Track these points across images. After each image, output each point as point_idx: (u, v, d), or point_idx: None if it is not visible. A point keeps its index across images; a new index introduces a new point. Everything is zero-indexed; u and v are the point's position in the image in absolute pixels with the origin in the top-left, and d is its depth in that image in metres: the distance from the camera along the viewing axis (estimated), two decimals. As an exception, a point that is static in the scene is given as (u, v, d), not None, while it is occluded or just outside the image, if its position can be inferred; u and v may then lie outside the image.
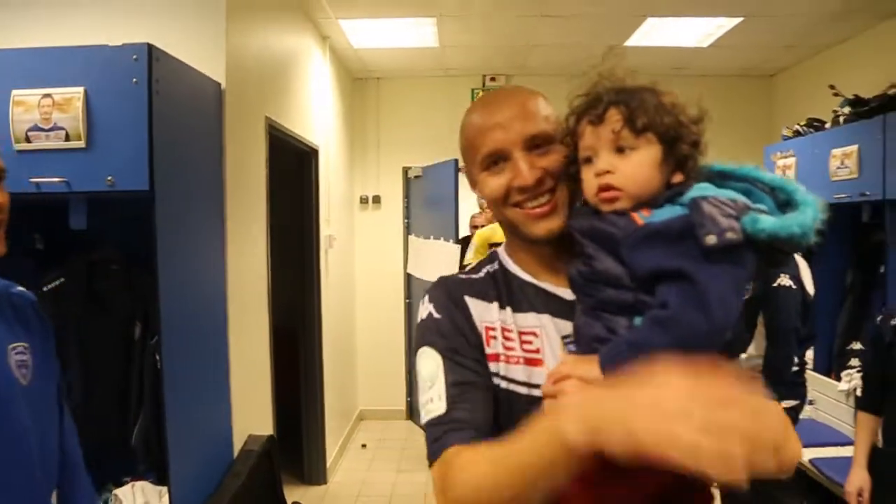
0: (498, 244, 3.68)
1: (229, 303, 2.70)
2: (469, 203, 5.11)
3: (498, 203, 1.03)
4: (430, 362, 0.97)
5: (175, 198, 2.21)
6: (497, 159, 1.01)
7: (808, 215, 0.82)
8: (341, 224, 5.15)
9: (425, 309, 1.04)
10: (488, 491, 0.80)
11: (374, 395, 5.85)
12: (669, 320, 0.80)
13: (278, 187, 3.42)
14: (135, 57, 2.05)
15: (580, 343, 0.94)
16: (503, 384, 0.98)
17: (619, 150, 0.91)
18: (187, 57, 2.36)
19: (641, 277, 0.85)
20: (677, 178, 0.92)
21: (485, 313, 1.02)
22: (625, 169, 0.90)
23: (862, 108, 3.69)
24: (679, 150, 0.91)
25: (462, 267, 4.19)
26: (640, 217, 0.88)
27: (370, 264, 5.80)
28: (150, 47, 2.06)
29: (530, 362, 0.99)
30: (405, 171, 5.78)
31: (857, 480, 2.43)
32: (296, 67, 3.92)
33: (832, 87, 4.04)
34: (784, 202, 0.87)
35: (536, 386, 0.96)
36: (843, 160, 3.70)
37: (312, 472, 4.35)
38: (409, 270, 5.69)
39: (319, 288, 4.32)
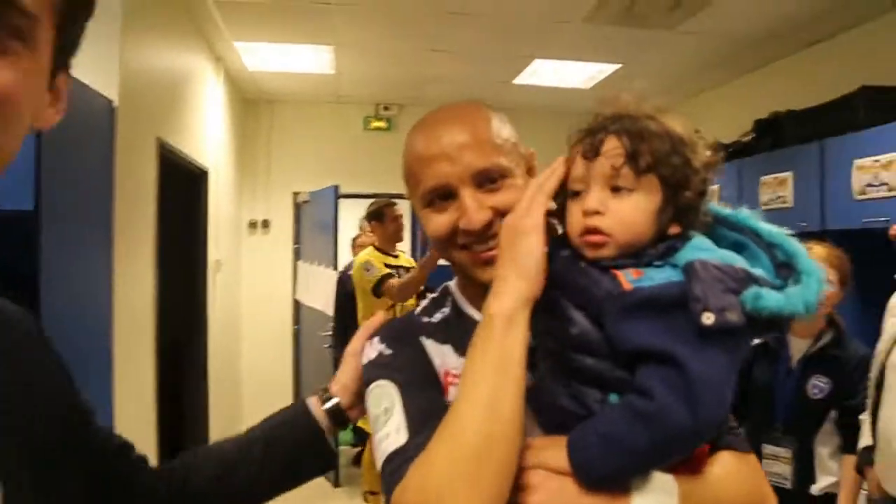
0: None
1: (115, 330, 2.57)
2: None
3: (442, 244, 0.90)
4: (384, 396, 0.84)
5: (61, 218, 2.11)
6: (442, 195, 0.87)
7: (813, 290, 0.71)
8: (229, 248, 5.02)
9: (373, 349, 0.92)
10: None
11: (261, 419, 5.68)
12: (653, 415, 0.69)
13: (167, 208, 3.31)
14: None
15: (540, 409, 0.81)
16: None
17: (615, 190, 0.78)
18: (80, 72, 2.27)
19: (624, 352, 0.73)
20: (674, 229, 0.79)
21: (444, 357, 0.90)
22: (618, 212, 0.77)
23: (724, 153, 4.10)
24: (683, 198, 0.77)
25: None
26: (628, 279, 0.74)
27: (258, 289, 5.67)
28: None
29: None
30: (295, 195, 5.73)
31: None
32: (188, 87, 3.83)
33: (697, 131, 4.44)
34: (782, 263, 0.75)
35: None
36: (710, 197, 4.08)
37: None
38: (297, 296, 5.62)
39: (206, 315, 4.19)
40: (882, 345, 1.96)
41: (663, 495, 0.73)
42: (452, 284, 0.99)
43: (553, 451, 0.74)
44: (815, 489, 2.18)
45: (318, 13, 3.66)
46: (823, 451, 2.20)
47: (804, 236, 1.86)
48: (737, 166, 3.86)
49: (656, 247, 0.77)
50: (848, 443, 2.13)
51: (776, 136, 3.69)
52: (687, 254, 0.74)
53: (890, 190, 2.82)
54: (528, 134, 3.99)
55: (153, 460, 0.93)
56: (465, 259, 0.88)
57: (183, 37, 3.76)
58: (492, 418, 0.71)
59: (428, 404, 0.82)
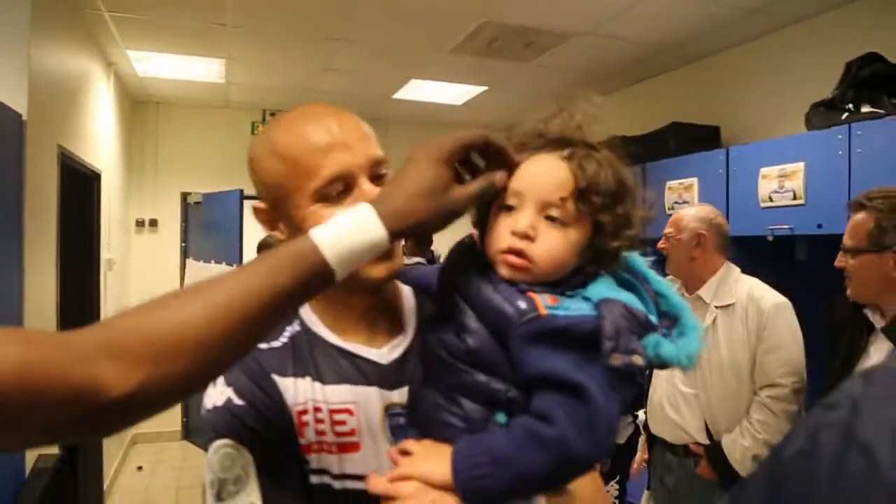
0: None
1: (25, 325, 2.81)
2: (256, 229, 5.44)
3: None
4: (233, 460, 0.77)
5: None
6: (340, 187, 0.82)
7: (695, 344, 0.76)
8: (118, 247, 5.16)
9: (220, 393, 0.81)
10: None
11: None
12: (552, 440, 0.68)
13: (63, 211, 3.52)
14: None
15: (420, 423, 0.80)
16: (315, 479, 0.81)
17: (550, 218, 0.77)
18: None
19: (527, 375, 0.72)
20: (591, 267, 0.79)
21: (293, 392, 0.83)
22: (547, 241, 0.76)
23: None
24: (610, 245, 0.78)
25: None
26: (544, 304, 0.73)
27: (146, 286, 5.80)
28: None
29: (343, 448, 0.82)
30: (184, 196, 5.92)
31: None
32: (83, 93, 4.02)
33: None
34: (664, 312, 0.78)
35: (350, 476, 0.81)
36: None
37: (89, 497, 4.34)
38: (186, 293, 5.82)
39: (99, 311, 4.37)
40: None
41: None
42: (305, 311, 0.91)
43: (434, 463, 0.72)
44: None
45: (213, 31, 3.97)
46: None
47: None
48: (582, 181, 4.55)
49: (570, 280, 0.77)
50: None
51: (612, 156, 4.40)
52: (598, 290, 0.75)
53: (691, 207, 3.55)
54: (406, 141, 4.72)
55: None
56: (365, 268, 0.80)
57: (80, 46, 3.94)
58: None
59: (287, 487, 0.78)
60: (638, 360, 0.70)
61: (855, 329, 1.91)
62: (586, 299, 0.74)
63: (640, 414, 2.77)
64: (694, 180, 3.54)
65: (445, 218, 0.74)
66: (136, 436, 5.80)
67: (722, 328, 2.27)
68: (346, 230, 0.69)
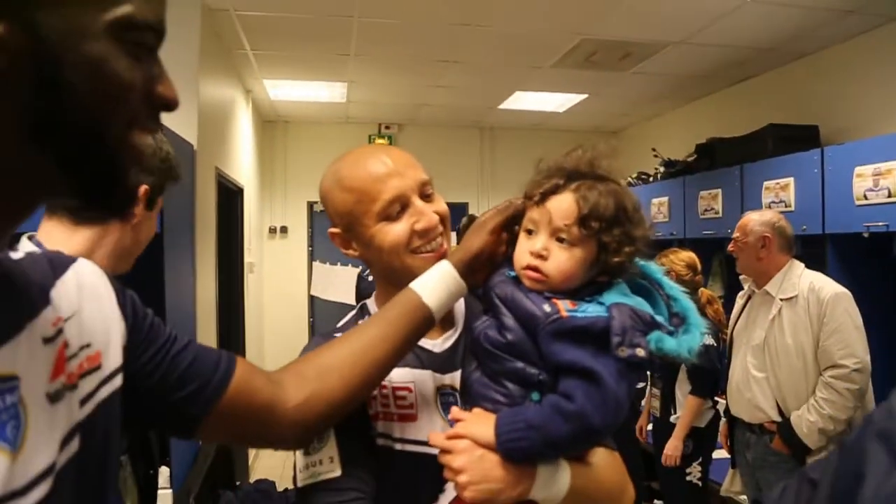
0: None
1: (197, 323, 3.39)
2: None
3: (399, 250, 1.02)
4: None
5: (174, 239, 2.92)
6: (399, 206, 1.01)
7: (696, 339, 0.90)
8: (256, 252, 5.82)
9: None
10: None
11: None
12: (573, 414, 0.86)
13: (218, 222, 4.12)
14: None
15: (468, 399, 0.99)
16: (380, 441, 0.99)
17: (559, 240, 0.94)
18: (167, 120, 3.04)
19: (554, 365, 0.90)
20: (602, 277, 0.96)
21: None
22: (558, 259, 0.93)
23: (671, 169, 4.97)
24: (612, 259, 0.93)
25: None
26: (565, 308, 0.90)
27: (278, 287, 6.47)
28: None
29: (403, 418, 1.00)
30: (310, 204, 6.54)
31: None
32: (231, 118, 4.64)
33: (654, 150, 5.30)
34: (675, 313, 0.94)
35: (409, 441, 0.99)
36: (660, 207, 4.95)
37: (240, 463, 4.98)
38: (312, 292, 6.44)
39: (244, 310, 5.00)
40: (731, 319, 2.85)
41: (559, 472, 0.91)
42: (370, 302, 1.13)
43: (482, 427, 0.90)
44: (672, 418, 3.17)
45: (338, 60, 4.48)
46: (679, 392, 3.17)
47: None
48: (682, 181, 4.72)
49: (587, 287, 0.95)
50: (694, 386, 3.06)
51: (712, 158, 4.53)
52: (611, 297, 0.92)
53: (786, 207, 3.68)
54: (510, 145, 5.42)
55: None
56: (416, 262, 1.01)
57: (228, 80, 4.56)
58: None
59: (358, 444, 0.95)
60: (641, 352, 0.87)
61: None
62: (601, 304, 0.91)
63: (720, 400, 3.02)
64: (790, 180, 3.67)
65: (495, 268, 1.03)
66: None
67: (787, 317, 2.52)
68: (438, 284, 0.96)
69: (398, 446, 0.98)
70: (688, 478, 3.15)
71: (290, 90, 5.35)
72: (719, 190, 4.32)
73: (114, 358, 0.71)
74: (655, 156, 5.24)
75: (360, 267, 5.17)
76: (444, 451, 0.91)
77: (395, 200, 1.01)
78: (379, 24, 3.75)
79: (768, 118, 4.13)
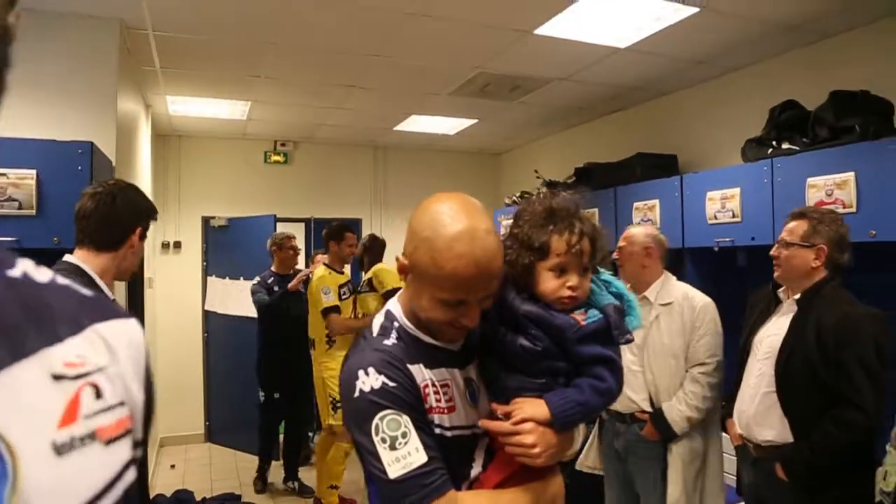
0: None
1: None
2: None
3: (435, 323, 1.21)
4: (398, 422, 1.11)
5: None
6: (457, 303, 1.16)
7: (639, 316, 1.26)
8: (150, 267, 5.76)
9: (375, 379, 1.14)
10: None
11: (174, 422, 6.36)
12: (606, 390, 1.19)
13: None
14: (80, 151, 2.85)
15: (501, 393, 1.25)
16: (437, 431, 1.19)
17: (584, 271, 1.22)
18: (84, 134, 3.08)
19: (583, 360, 1.19)
20: None
21: (419, 375, 1.20)
22: (584, 286, 1.22)
23: (552, 189, 5.49)
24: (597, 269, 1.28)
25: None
26: (582, 318, 1.19)
27: (171, 302, 6.40)
28: (92, 145, 2.87)
29: (449, 410, 1.21)
30: (205, 220, 6.53)
31: None
32: (135, 133, 4.65)
33: (536, 171, 5.84)
34: (612, 293, 1.26)
35: (456, 427, 1.21)
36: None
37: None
38: (208, 307, 6.43)
39: (144, 325, 4.98)
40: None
41: (577, 433, 1.29)
42: (396, 313, 1.29)
43: (537, 409, 1.18)
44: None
45: (247, 81, 4.63)
46: None
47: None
48: (562, 201, 5.25)
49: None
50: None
51: (588, 180, 5.07)
52: (598, 300, 1.24)
53: (653, 224, 4.26)
54: (402, 164, 5.95)
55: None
56: (446, 330, 1.22)
57: (136, 95, 4.58)
58: None
59: (429, 435, 1.15)
60: (630, 336, 1.22)
61: (766, 305, 2.61)
62: (594, 308, 1.22)
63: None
64: (656, 202, 4.27)
65: None
66: (164, 438, 6.36)
67: (663, 321, 2.87)
68: None
69: (448, 433, 1.20)
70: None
71: (191, 106, 5.40)
72: (596, 209, 4.87)
73: (138, 431, 0.58)
74: (537, 177, 5.76)
75: (256, 280, 5.11)
76: (512, 434, 1.17)
77: (458, 302, 1.16)
78: (293, 49, 3.98)
79: (637, 147, 4.77)
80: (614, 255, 3.04)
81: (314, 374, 4.57)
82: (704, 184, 3.90)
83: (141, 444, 0.60)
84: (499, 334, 1.24)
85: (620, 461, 3.00)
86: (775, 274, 2.52)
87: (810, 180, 3.20)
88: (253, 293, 4.96)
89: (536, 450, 1.16)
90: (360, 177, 7.16)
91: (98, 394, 0.54)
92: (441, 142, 6.86)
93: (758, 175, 3.55)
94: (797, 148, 3.43)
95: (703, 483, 2.81)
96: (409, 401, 1.15)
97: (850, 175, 3.01)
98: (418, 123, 6.04)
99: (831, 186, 3.09)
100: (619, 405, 2.96)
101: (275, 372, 5.03)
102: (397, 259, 1.26)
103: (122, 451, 0.54)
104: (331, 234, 4.62)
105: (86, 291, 0.60)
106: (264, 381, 5.12)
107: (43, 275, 0.57)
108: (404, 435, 1.11)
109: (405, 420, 1.12)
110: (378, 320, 1.29)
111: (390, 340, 1.23)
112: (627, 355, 2.98)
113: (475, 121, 5.92)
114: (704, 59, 4.14)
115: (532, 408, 1.18)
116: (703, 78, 4.57)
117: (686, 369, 2.83)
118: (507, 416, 1.20)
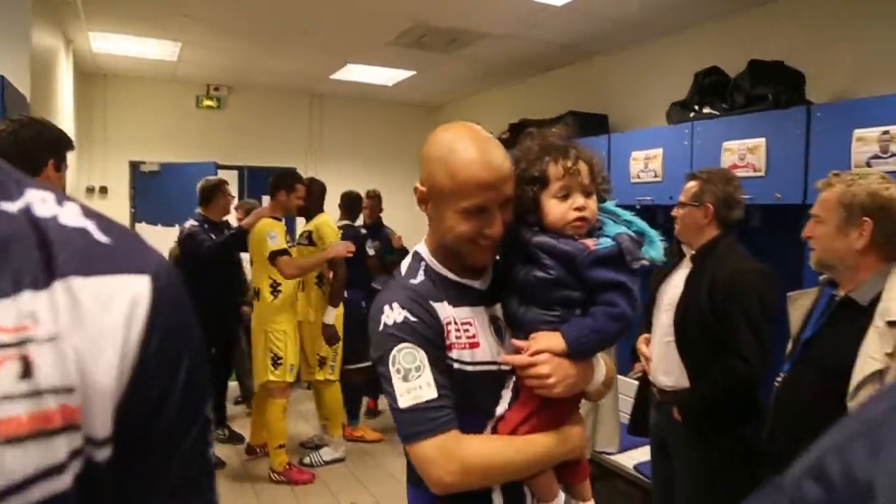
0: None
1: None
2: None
3: (462, 241, 1.22)
4: (414, 356, 1.16)
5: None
6: (479, 211, 1.18)
7: (660, 248, 1.23)
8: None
9: (398, 313, 1.19)
10: (498, 461, 1.18)
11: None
12: (619, 315, 1.18)
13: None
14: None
15: (521, 327, 1.25)
16: (456, 365, 1.21)
17: (587, 194, 1.22)
18: None
19: (595, 285, 1.18)
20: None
21: (442, 312, 1.22)
22: (592, 208, 1.22)
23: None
24: (603, 196, 1.27)
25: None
26: (592, 245, 1.19)
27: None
28: (3, 79, 2.75)
29: (471, 345, 1.23)
30: (133, 164, 6.33)
31: None
32: (54, 69, 4.45)
33: (478, 123, 5.87)
34: (636, 231, 1.23)
35: (478, 363, 1.23)
36: (476, 179, 5.53)
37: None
38: (135, 254, 6.27)
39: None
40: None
41: (600, 364, 1.30)
42: (423, 253, 1.32)
43: (551, 341, 1.19)
44: None
45: (174, 19, 4.47)
46: None
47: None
48: (496, 157, 5.32)
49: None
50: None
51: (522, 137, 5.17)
52: (611, 230, 1.22)
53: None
54: (339, 114, 5.91)
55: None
56: (473, 251, 1.23)
57: (54, 29, 4.37)
58: (527, 467, 1.22)
59: (443, 369, 1.18)
60: (644, 262, 1.20)
61: (671, 258, 2.73)
62: (607, 237, 1.20)
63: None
64: (584, 160, 4.39)
65: None
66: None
67: None
68: None
69: (469, 368, 1.22)
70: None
71: (116, 44, 5.17)
72: (528, 166, 4.97)
73: (102, 426, 0.45)
74: (475, 132, 5.82)
75: (190, 223, 4.64)
76: (530, 366, 1.19)
77: (480, 208, 1.18)
78: (223, -10, 3.87)
79: (571, 106, 4.86)
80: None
81: (253, 327, 4.30)
82: (630, 144, 4.02)
83: (108, 443, 0.44)
84: (514, 270, 1.25)
85: None
86: (675, 231, 2.66)
87: (726, 144, 3.35)
88: (195, 235, 4.43)
89: (552, 380, 1.19)
90: (295, 125, 7.05)
91: (26, 371, 0.41)
92: (379, 93, 6.80)
93: (679, 137, 3.69)
94: (716, 113, 3.58)
95: (595, 419, 2.93)
96: (429, 336, 1.19)
97: (762, 141, 3.18)
98: (355, 73, 5.97)
99: (744, 151, 3.25)
100: None
101: (219, 324, 4.66)
102: (416, 189, 1.26)
103: (46, 452, 0.41)
104: (281, 183, 4.23)
105: (101, 236, 0.48)
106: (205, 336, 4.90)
107: (54, 210, 0.47)
108: (418, 369, 1.15)
109: (421, 355, 1.16)
110: (406, 261, 1.32)
111: (417, 279, 1.26)
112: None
113: (413, 73, 5.88)
114: (637, 21, 4.22)
115: (547, 340, 1.20)
116: (635, 41, 4.67)
117: None
118: (523, 351, 1.23)
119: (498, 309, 1.31)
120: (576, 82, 5.39)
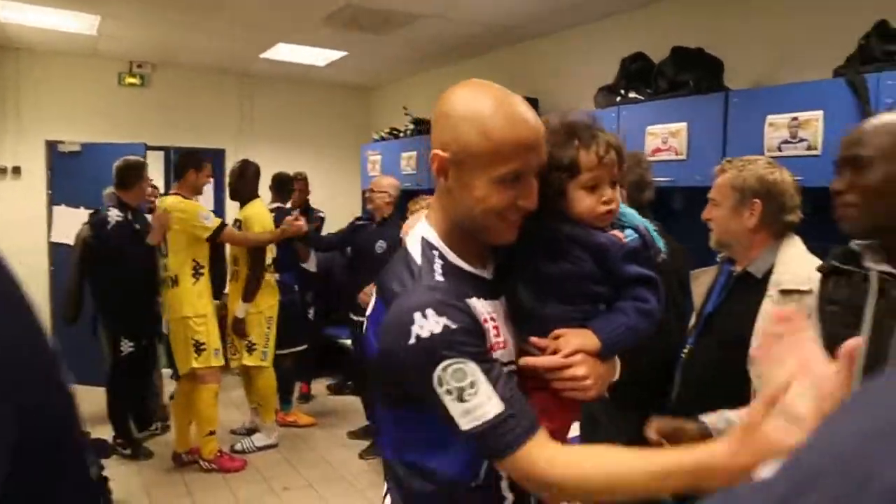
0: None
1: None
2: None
3: (492, 214, 1.06)
4: (464, 372, 0.98)
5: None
6: (515, 177, 1.04)
7: (660, 241, 1.22)
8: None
9: (435, 322, 1.00)
10: (596, 483, 0.95)
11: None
12: (650, 311, 1.13)
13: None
14: None
15: (536, 324, 1.14)
16: None
17: (613, 185, 1.15)
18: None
19: (625, 280, 1.13)
20: None
21: (477, 309, 1.07)
22: (617, 199, 1.16)
23: (420, 126, 5.58)
24: (624, 183, 1.31)
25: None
26: (622, 237, 1.15)
27: (9, 233, 5.88)
28: None
29: (503, 345, 1.12)
30: (49, 144, 6.02)
31: None
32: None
33: (405, 108, 5.87)
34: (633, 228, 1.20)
35: (509, 363, 1.11)
36: (409, 161, 5.55)
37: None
38: (54, 238, 6.00)
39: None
40: None
41: (616, 358, 1.20)
42: (433, 239, 1.14)
43: (584, 339, 1.10)
44: None
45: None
46: None
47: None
48: (428, 139, 5.31)
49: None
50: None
51: (454, 120, 5.20)
52: (634, 221, 1.20)
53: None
54: (270, 94, 5.78)
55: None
56: (500, 227, 1.08)
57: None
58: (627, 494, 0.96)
59: (499, 374, 1.01)
60: (664, 255, 1.21)
61: None
62: (629, 228, 1.18)
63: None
64: (515, 143, 4.44)
65: None
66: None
67: None
68: None
69: (505, 370, 1.07)
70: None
71: (26, 14, 4.88)
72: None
73: None
74: (406, 114, 5.82)
75: (115, 213, 4.30)
76: (564, 368, 1.08)
77: (516, 172, 1.04)
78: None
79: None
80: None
81: (171, 316, 4.13)
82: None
83: None
84: (534, 261, 1.15)
85: None
86: None
87: (649, 128, 3.46)
88: (120, 228, 4.15)
89: (589, 381, 1.09)
90: (225, 105, 6.85)
91: None
92: (311, 73, 6.68)
93: (606, 122, 3.64)
94: (641, 98, 3.69)
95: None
96: (474, 342, 1.03)
97: (683, 125, 3.30)
98: (286, 52, 5.84)
99: (666, 135, 3.37)
100: None
101: (141, 316, 4.35)
102: (435, 155, 1.10)
103: None
104: (189, 162, 4.16)
105: None
106: (130, 328, 4.30)
107: None
108: (472, 385, 0.98)
109: (471, 369, 0.99)
110: (413, 250, 1.14)
111: (439, 273, 1.09)
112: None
113: (345, 53, 5.80)
114: (565, 6, 4.29)
115: (579, 338, 1.11)
116: (564, 26, 4.74)
117: None
118: (550, 351, 1.12)
119: (502, 301, 1.19)
120: (507, 66, 5.44)
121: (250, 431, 4.64)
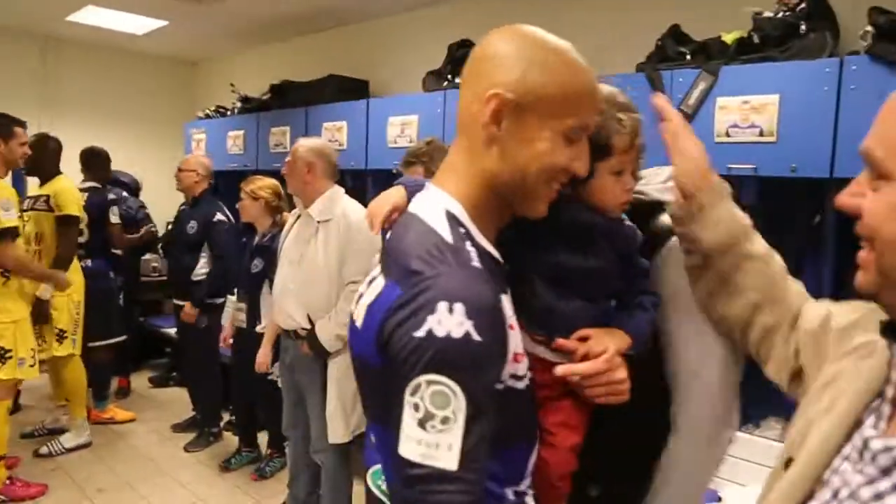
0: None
1: None
2: None
3: (544, 176, 0.90)
4: (447, 400, 0.79)
5: None
6: (580, 135, 0.91)
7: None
8: None
9: (458, 324, 0.79)
10: None
11: None
12: (658, 303, 1.09)
13: None
14: None
15: (557, 323, 1.02)
16: (510, 382, 0.89)
17: (633, 173, 1.06)
18: None
19: (640, 273, 1.09)
20: None
21: (507, 311, 0.89)
22: (633, 187, 1.08)
23: (248, 105, 5.36)
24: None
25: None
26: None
27: None
28: None
29: (521, 356, 0.93)
30: None
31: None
32: None
33: (232, 85, 5.60)
34: None
35: (522, 377, 0.92)
36: (235, 140, 5.32)
37: None
38: None
39: None
40: (282, 236, 3.09)
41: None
42: (459, 215, 0.93)
43: (616, 339, 1.02)
44: (259, 328, 3.44)
45: None
46: (263, 304, 3.52)
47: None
48: (257, 117, 5.15)
49: None
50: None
51: (283, 98, 5.03)
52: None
53: (340, 146, 4.37)
54: (82, 63, 5.30)
55: None
56: (543, 193, 0.92)
57: None
58: None
59: (483, 431, 0.81)
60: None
61: None
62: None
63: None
64: (343, 123, 4.41)
65: None
66: None
67: (321, 239, 2.77)
68: None
69: (520, 384, 0.92)
70: (270, 377, 3.37)
71: None
72: (288, 127, 4.87)
73: None
74: (233, 91, 5.56)
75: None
76: (605, 371, 0.98)
77: (586, 129, 0.92)
78: None
79: (330, 69, 4.82)
80: (283, 171, 2.94)
81: None
82: (388, 109, 4.12)
83: None
84: (555, 253, 1.02)
85: (291, 373, 3.02)
86: None
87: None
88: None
89: (626, 384, 1.00)
90: (25, 72, 6.12)
91: None
92: (129, 43, 6.17)
93: (434, 105, 3.85)
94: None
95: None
96: (483, 373, 0.82)
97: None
98: (98, 16, 5.33)
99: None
100: (282, 322, 2.96)
101: None
102: (495, 96, 0.88)
103: None
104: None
105: None
106: None
107: None
108: (444, 421, 0.78)
109: (459, 403, 0.79)
110: (438, 220, 0.91)
111: (474, 256, 0.88)
112: (285, 270, 2.93)
113: (166, 22, 5.42)
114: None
115: (614, 339, 1.01)
116: (390, 11, 4.77)
117: (341, 287, 2.77)
118: (581, 354, 1.02)
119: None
120: (337, 47, 5.36)
121: (53, 431, 4.24)
